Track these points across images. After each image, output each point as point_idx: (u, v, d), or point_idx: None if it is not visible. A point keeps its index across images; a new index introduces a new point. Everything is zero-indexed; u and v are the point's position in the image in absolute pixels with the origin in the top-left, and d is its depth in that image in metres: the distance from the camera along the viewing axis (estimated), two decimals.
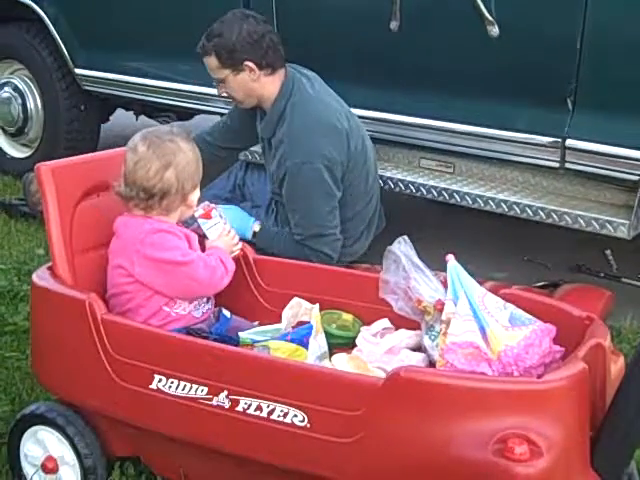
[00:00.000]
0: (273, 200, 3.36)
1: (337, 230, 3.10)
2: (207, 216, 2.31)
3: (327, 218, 3.06)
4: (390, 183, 3.44)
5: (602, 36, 2.90)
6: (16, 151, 4.97)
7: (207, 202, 2.35)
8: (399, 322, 2.25)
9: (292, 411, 1.77)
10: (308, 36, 3.61)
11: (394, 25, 3.27)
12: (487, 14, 3.05)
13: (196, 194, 2.20)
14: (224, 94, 3.22)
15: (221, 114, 4.47)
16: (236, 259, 2.34)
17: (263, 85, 3.13)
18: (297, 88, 3.13)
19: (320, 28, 3.57)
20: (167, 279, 2.11)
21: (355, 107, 3.51)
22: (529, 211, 3.17)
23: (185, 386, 1.89)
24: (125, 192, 2.13)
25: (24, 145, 4.93)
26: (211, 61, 3.12)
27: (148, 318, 2.12)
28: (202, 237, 2.30)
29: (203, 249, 2.26)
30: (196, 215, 2.29)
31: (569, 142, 3.04)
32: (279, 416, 1.79)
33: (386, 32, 3.28)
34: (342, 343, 2.26)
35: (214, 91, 3.95)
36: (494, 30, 3.06)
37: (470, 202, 3.27)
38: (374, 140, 3.41)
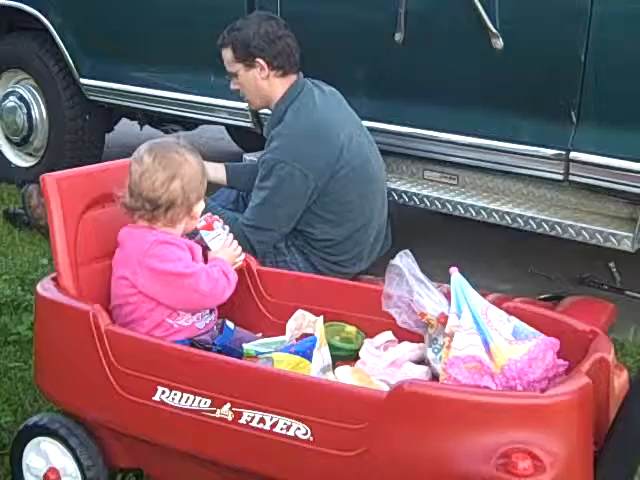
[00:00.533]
0: None
1: (280, 235, 3.09)
2: (209, 227, 2.31)
3: (281, 219, 3.05)
4: (394, 194, 3.44)
5: (606, 49, 2.91)
6: (21, 160, 4.98)
7: (210, 213, 2.36)
8: (402, 335, 2.24)
9: (295, 424, 1.77)
10: (312, 47, 3.62)
11: (399, 37, 3.28)
12: (491, 26, 3.06)
13: (201, 205, 2.21)
14: (236, 88, 3.26)
15: (224, 124, 4.49)
16: (240, 270, 2.34)
17: (272, 86, 3.16)
18: (303, 95, 3.14)
19: (324, 39, 3.58)
20: (170, 291, 2.11)
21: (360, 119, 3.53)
22: (533, 223, 3.17)
23: (188, 398, 1.89)
24: (130, 203, 2.13)
25: (29, 154, 4.94)
26: (227, 53, 3.19)
27: (151, 329, 2.12)
28: (205, 249, 2.30)
29: (206, 261, 2.26)
30: (198, 226, 2.28)
31: (573, 155, 3.04)
32: (282, 429, 1.79)
33: (391, 43, 3.29)
34: (345, 355, 2.25)
35: (217, 101, 4.00)
36: (498, 42, 3.07)
37: (474, 214, 3.28)
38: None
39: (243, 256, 2.36)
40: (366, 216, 3.18)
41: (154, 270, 2.10)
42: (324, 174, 3.02)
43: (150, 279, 2.10)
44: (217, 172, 3.37)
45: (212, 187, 3.43)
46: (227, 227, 2.36)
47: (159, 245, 2.12)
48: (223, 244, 2.30)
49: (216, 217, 2.35)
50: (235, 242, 2.34)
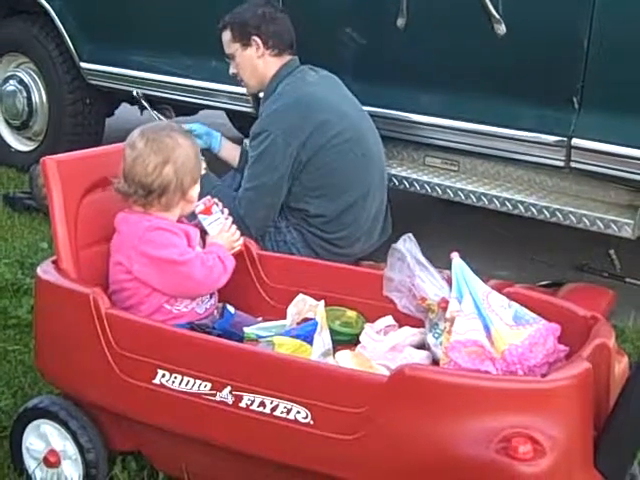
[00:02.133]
0: None
1: (267, 207, 3.10)
2: (207, 212, 2.29)
3: (266, 189, 3.07)
4: (395, 180, 3.44)
5: (609, 35, 2.90)
6: (21, 144, 4.98)
7: (209, 197, 2.34)
8: (403, 320, 2.25)
9: (295, 407, 1.77)
10: (313, 32, 3.61)
11: (401, 22, 3.27)
12: (494, 12, 3.04)
13: (196, 189, 2.19)
14: (234, 72, 3.32)
15: (225, 109, 4.48)
16: (240, 255, 2.33)
17: (267, 64, 3.24)
18: (295, 74, 3.21)
19: (325, 24, 3.57)
20: (164, 277, 2.10)
21: (360, 104, 3.52)
22: (533, 210, 3.17)
23: (188, 381, 1.89)
24: (124, 188, 2.12)
25: (29, 138, 4.94)
26: (226, 35, 3.29)
27: (149, 315, 2.12)
28: (204, 232, 2.29)
29: (205, 244, 2.25)
30: (196, 211, 2.27)
31: (575, 141, 3.04)
32: (282, 412, 1.78)
33: (393, 29, 3.28)
34: (346, 340, 2.25)
35: (218, 86, 3.99)
36: (501, 28, 3.05)
37: (474, 200, 3.27)
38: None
39: (242, 240, 2.34)
40: (361, 191, 3.16)
41: (148, 256, 2.09)
42: (310, 145, 3.05)
43: (144, 265, 2.10)
44: (232, 150, 3.50)
45: (221, 168, 3.45)
46: (226, 211, 2.35)
47: (153, 231, 2.10)
48: (221, 229, 2.29)
49: (215, 200, 2.34)
50: (234, 226, 2.33)
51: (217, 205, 2.32)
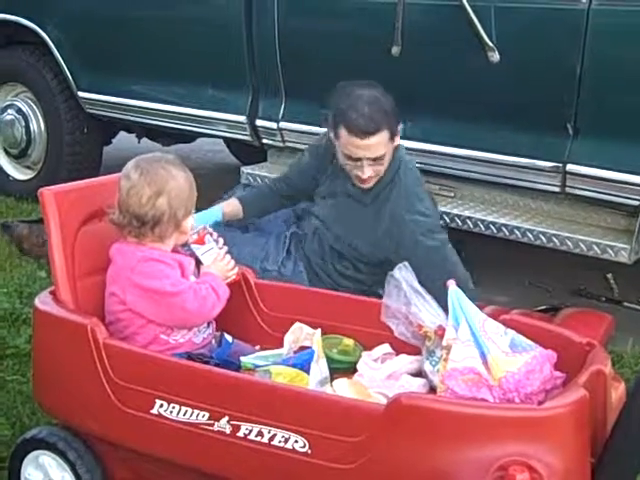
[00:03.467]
0: (291, 236, 3.25)
1: None
2: (200, 241, 2.29)
3: None
4: None
5: (602, 62, 2.93)
6: (19, 173, 4.99)
7: (202, 226, 2.33)
8: (400, 347, 2.25)
9: (293, 437, 1.77)
10: (309, 60, 3.64)
11: (395, 50, 3.30)
12: (487, 40, 3.07)
13: (190, 220, 2.19)
14: (372, 174, 2.94)
15: (221, 137, 4.51)
16: (237, 283, 2.34)
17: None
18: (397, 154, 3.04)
19: (321, 51, 3.59)
20: (157, 309, 2.10)
21: None
22: (530, 235, 3.19)
23: (186, 411, 1.89)
24: (119, 219, 2.13)
25: (27, 167, 4.95)
26: (381, 136, 2.87)
27: (146, 345, 2.11)
28: (198, 262, 2.29)
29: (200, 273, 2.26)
30: (190, 241, 2.26)
31: (570, 167, 3.06)
32: (280, 442, 1.79)
33: (387, 57, 3.30)
34: (343, 368, 2.25)
35: (215, 114, 4.01)
36: (495, 56, 3.08)
37: (471, 226, 3.29)
38: None
39: (236, 270, 2.33)
40: None
41: (141, 287, 2.09)
42: None
43: (138, 296, 2.10)
44: (233, 207, 3.22)
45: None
46: (221, 240, 2.34)
47: (146, 262, 2.11)
48: (215, 258, 2.28)
49: (209, 230, 2.33)
50: (228, 256, 2.31)
51: (211, 235, 2.32)
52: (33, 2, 4.61)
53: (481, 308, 2.09)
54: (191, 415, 1.89)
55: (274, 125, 3.83)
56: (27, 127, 4.81)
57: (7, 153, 4.99)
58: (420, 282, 2.18)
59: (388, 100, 2.92)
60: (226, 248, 2.34)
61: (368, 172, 2.92)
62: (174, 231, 2.16)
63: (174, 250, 2.22)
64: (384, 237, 2.98)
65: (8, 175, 5.00)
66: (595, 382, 1.79)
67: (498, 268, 3.86)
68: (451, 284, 2.09)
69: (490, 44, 3.07)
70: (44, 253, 2.56)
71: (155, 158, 2.18)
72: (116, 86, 4.38)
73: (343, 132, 2.88)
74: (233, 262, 2.33)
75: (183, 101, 4.14)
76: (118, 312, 2.13)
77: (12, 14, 4.67)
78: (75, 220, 2.19)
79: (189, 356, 2.11)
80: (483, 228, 3.25)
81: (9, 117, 4.86)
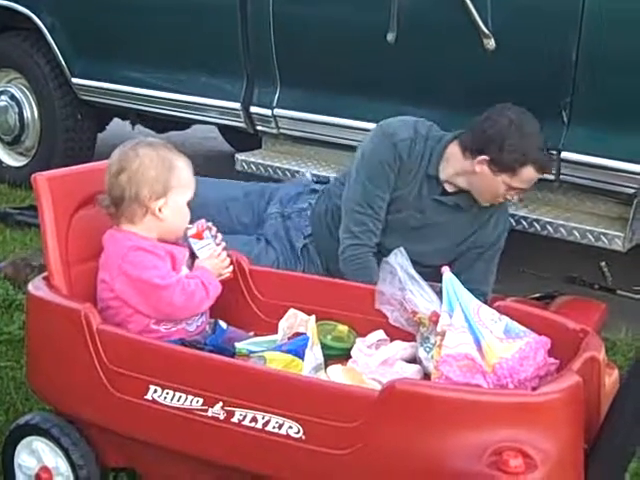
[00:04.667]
0: (304, 248, 3.13)
1: None
2: (199, 236, 2.25)
3: None
4: None
5: (597, 49, 2.92)
6: (12, 160, 4.98)
7: (203, 220, 2.29)
8: (394, 334, 2.25)
9: (287, 423, 1.77)
10: (304, 47, 3.63)
11: (391, 37, 3.29)
12: (483, 27, 3.07)
13: (167, 207, 2.13)
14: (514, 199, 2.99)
15: (216, 124, 4.50)
16: (232, 270, 2.33)
17: None
18: None
19: (316, 39, 3.58)
20: (143, 299, 2.09)
21: (350, 118, 3.54)
22: (524, 223, 3.19)
23: (180, 397, 1.89)
24: (103, 202, 2.15)
25: (21, 154, 4.93)
26: (534, 168, 2.81)
27: (137, 334, 2.10)
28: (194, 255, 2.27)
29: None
30: (188, 234, 2.24)
31: (564, 155, 3.06)
32: (274, 428, 1.79)
33: (383, 44, 3.29)
34: (337, 354, 2.26)
35: (209, 101, 4.00)
36: (490, 43, 3.08)
37: None
38: None
39: (231, 268, 2.30)
40: None
41: (128, 276, 2.08)
42: None
43: (125, 285, 2.09)
44: None
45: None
46: (219, 236, 2.31)
47: (136, 252, 2.09)
48: (211, 254, 2.25)
49: (208, 225, 2.29)
50: (224, 253, 2.28)
51: (210, 230, 2.28)
52: None
53: None
54: (185, 401, 1.88)
55: (269, 112, 3.81)
56: (20, 113, 4.79)
57: (0, 140, 4.97)
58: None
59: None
60: (224, 244, 2.31)
61: (517, 198, 3.00)
62: (145, 214, 2.13)
63: (173, 242, 2.20)
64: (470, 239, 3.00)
65: (1, 162, 4.99)
66: (589, 368, 1.79)
67: None
68: (446, 271, 2.09)
69: (486, 31, 3.06)
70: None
71: (137, 140, 2.18)
72: (110, 72, 4.37)
73: (529, 170, 2.79)
74: (228, 260, 2.29)
75: (177, 88, 4.13)
76: (108, 299, 2.12)
77: (6, 0, 4.64)
78: (69, 206, 2.18)
79: (183, 343, 2.10)
80: None
81: (2, 103, 4.84)
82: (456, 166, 2.89)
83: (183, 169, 2.17)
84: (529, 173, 2.81)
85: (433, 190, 2.94)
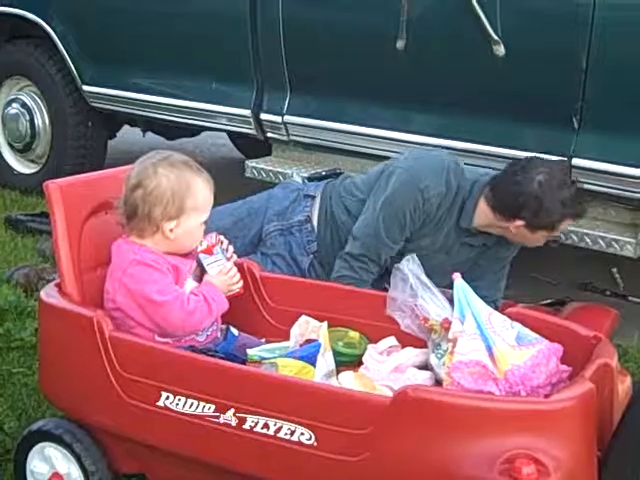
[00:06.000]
0: (310, 266, 3.09)
1: None
2: (209, 252, 2.22)
3: None
4: None
5: (608, 55, 2.92)
6: (23, 167, 5.00)
7: (214, 234, 2.26)
8: (406, 340, 2.25)
9: (299, 429, 1.77)
10: (314, 54, 3.63)
11: (400, 44, 3.29)
12: (493, 34, 3.07)
13: (180, 228, 2.11)
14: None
15: (226, 131, 4.51)
16: (243, 277, 2.32)
17: None
18: None
19: (326, 46, 3.59)
20: (142, 313, 2.08)
21: (358, 124, 3.54)
22: None
23: (192, 404, 1.89)
24: (118, 206, 2.14)
25: (32, 161, 4.95)
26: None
27: None
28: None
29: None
30: (198, 249, 2.21)
31: (575, 161, 3.05)
32: (286, 434, 1.79)
33: (393, 51, 3.30)
34: (349, 361, 2.25)
35: (219, 108, 4.01)
36: (500, 49, 3.08)
37: None
38: (376, 158, 3.42)
39: (240, 284, 2.27)
40: None
41: (129, 290, 2.08)
42: None
43: (126, 297, 2.08)
44: None
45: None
46: (230, 249, 2.28)
47: (137, 266, 2.08)
48: (220, 270, 2.22)
49: (220, 238, 2.26)
50: (234, 269, 2.25)
51: (221, 244, 2.26)
52: None
53: None
54: (197, 407, 1.89)
55: (279, 119, 3.82)
56: (32, 121, 4.81)
57: (12, 147, 5.00)
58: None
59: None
60: (235, 258, 2.28)
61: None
62: (155, 233, 2.11)
63: (186, 255, 2.19)
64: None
65: (13, 169, 5.01)
66: (602, 375, 1.79)
67: None
68: (457, 277, 2.09)
69: (495, 37, 3.06)
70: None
71: (159, 155, 2.16)
72: (120, 80, 4.38)
73: (566, 223, 2.82)
74: (238, 276, 2.26)
75: (187, 94, 4.14)
76: (111, 310, 2.11)
77: (17, 7, 4.66)
78: (81, 213, 2.19)
79: (194, 350, 2.10)
80: None
81: (13, 111, 4.86)
82: (489, 221, 2.87)
83: (200, 190, 2.13)
84: (566, 224, 2.83)
85: (461, 236, 2.94)
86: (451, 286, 2.10)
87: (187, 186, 2.11)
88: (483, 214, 2.86)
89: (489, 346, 1.93)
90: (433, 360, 2.13)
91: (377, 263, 2.89)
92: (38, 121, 4.81)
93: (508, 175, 2.80)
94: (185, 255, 2.19)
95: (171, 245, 2.14)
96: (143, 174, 2.11)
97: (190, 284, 2.18)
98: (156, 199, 2.09)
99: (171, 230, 2.11)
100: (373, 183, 2.96)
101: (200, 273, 2.23)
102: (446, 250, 2.95)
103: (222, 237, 2.28)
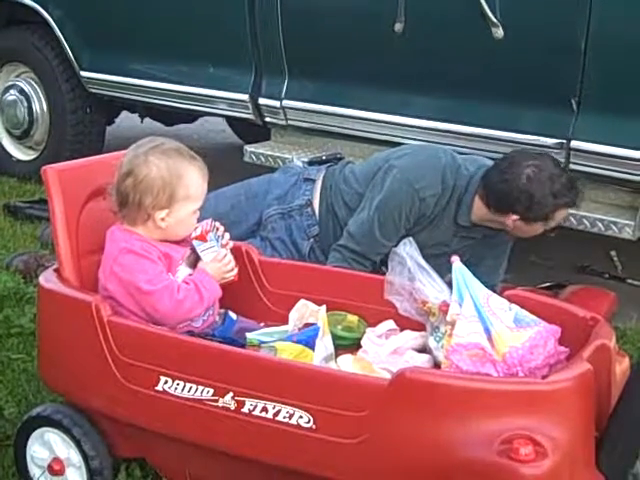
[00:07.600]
0: (311, 250, 3.06)
1: None
2: (202, 238, 2.19)
3: None
4: None
5: (607, 37, 2.91)
6: (22, 154, 4.99)
7: (209, 220, 2.22)
8: (404, 323, 2.25)
9: (298, 412, 1.78)
10: (312, 38, 3.62)
11: (398, 27, 3.28)
12: (491, 16, 3.06)
13: (171, 217, 2.09)
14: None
15: (224, 116, 4.50)
16: (241, 261, 2.32)
17: None
18: None
19: (324, 30, 3.58)
20: (132, 302, 2.07)
21: (357, 108, 3.53)
22: None
23: (191, 388, 1.90)
24: (110, 192, 2.13)
25: (30, 148, 4.94)
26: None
27: None
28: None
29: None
30: (192, 235, 2.19)
31: (574, 143, 3.05)
32: (285, 417, 1.79)
33: (391, 34, 3.29)
34: (347, 344, 2.26)
35: (217, 93, 4.00)
36: (498, 32, 3.07)
37: None
38: (374, 142, 3.42)
39: (235, 271, 2.24)
40: None
41: (119, 279, 2.07)
42: None
43: (116, 285, 2.08)
44: None
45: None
46: (227, 236, 2.25)
47: (127, 254, 2.07)
48: (214, 257, 2.19)
49: (215, 224, 2.23)
50: (229, 256, 2.22)
51: (217, 230, 2.23)
52: None
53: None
54: (196, 391, 1.89)
55: (277, 103, 3.81)
56: (29, 107, 4.80)
57: (10, 134, 4.98)
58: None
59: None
60: (231, 244, 2.26)
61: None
62: (147, 221, 2.10)
63: (180, 242, 2.18)
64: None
65: (11, 156, 5.00)
66: (599, 356, 1.79)
67: None
68: (455, 260, 2.09)
69: (494, 20, 3.05)
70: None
71: (153, 142, 2.14)
72: (118, 65, 4.37)
73: (561, 212, 2.83)
74: (233, 263, 2.23)
75: (185, 80, 4.13)
76: (104, 297, 2.10)
77: None
78: (79, 198, 2.19)
79: (192, 334, 2.10)
80: None
81: (11, 97, 4.85)
82: (486, 216, 2.89)
83: (193, 179, 2.11)
84: (562, 214, 2.84)
85: (460, 230, 2.95)
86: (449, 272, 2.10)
87: (178, 175, 2.09)
88: (479, 210, 2.88)
89: (487, 328, 1.93)
90: (431, 343, 2.14)
91: (370, 259, 2.90)
92: (36, 108, 4.80)
93: (497, 172, 2.81)
94: (178, 242, 2.18)
95: (163, 233, 2.13)
96: (134, 162, 2.09)
97: (183, 271, 2.16)
98: (147, 188, 2.07)
99: (162, 219, 2.10)
100: (371, 177, 2.96)
101: (195, 260, 2.21)
102: (445, 243, 2.95)
103: (217, 223, 2.24)
